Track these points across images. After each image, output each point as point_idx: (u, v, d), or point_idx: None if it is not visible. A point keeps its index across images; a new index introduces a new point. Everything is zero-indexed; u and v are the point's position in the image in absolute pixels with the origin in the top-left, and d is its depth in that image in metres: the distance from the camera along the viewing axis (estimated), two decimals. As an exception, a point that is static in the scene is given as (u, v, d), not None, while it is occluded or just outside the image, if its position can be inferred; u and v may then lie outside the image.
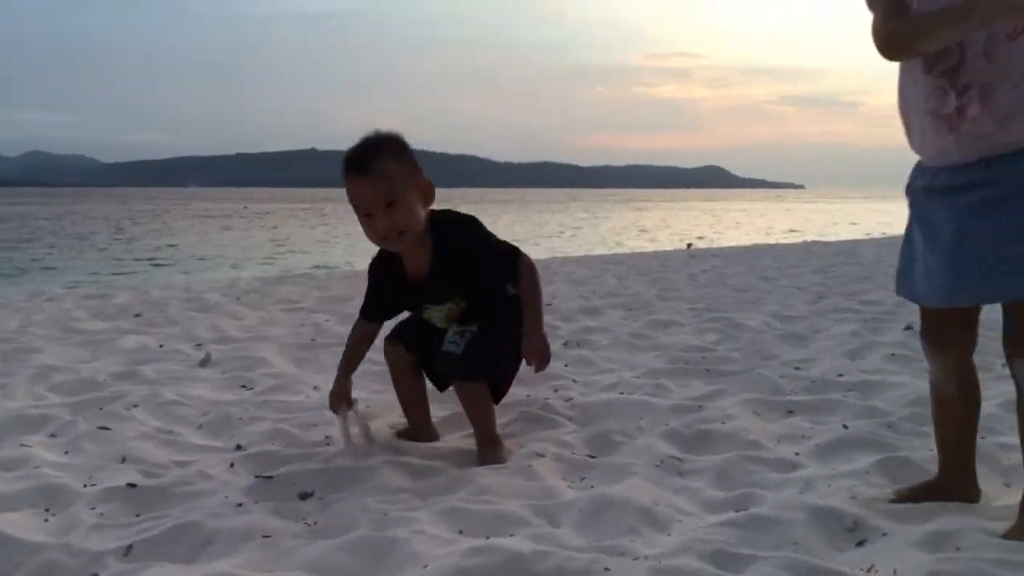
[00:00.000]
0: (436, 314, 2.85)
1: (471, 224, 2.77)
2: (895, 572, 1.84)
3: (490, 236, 2.77)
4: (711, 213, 45.27)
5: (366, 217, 2.62)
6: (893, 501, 2.26)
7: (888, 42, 1.97)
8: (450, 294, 2.79)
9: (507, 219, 33.97)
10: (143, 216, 38.53)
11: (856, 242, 16.38)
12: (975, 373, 2.21)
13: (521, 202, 74.11)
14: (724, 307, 6.27)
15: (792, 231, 25.43)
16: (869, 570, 1.85)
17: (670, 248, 16.55)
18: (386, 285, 2.85)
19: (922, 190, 2.09)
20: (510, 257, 2.76)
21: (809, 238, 19.63)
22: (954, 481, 2.26)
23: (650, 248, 17.26)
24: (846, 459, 2.65)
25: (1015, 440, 2.17)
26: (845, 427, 2.95)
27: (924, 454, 2.58)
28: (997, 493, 2.32)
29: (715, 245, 17.90)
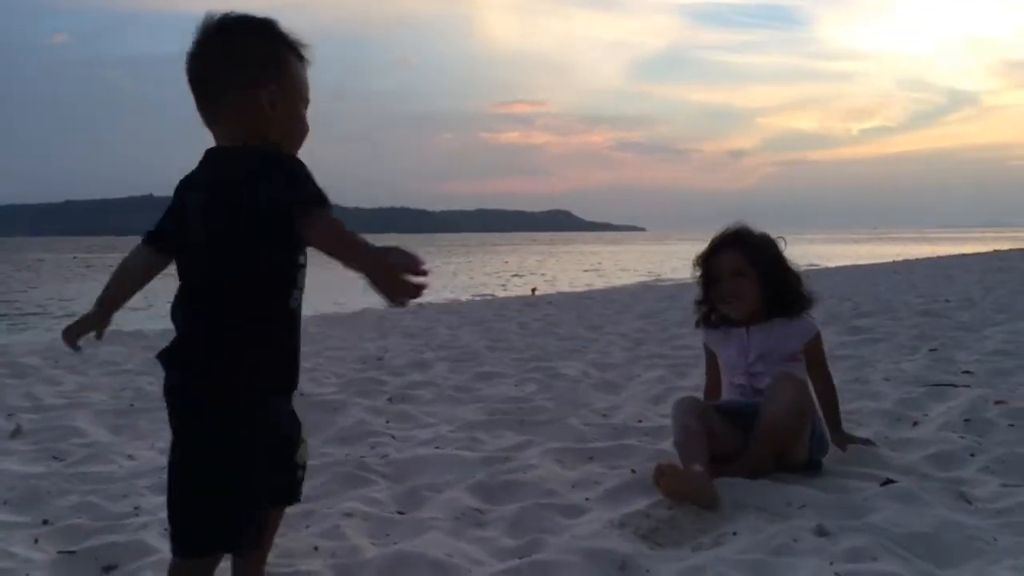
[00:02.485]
0: None
1: None
2: (649, 605, 2.08)
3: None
4: (556, 256, 46.44)
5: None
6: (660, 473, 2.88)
7: None
8: None
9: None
10: (-41, 270, 36.06)
11: (684, 286, 17.26)
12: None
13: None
14: (548, 356, 6.57)
15: (626, 271, 26.50)
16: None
17: (512, 294, 16.95)
18: None
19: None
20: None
21: (644, 279, 20.53)
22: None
23: (495, 292, 17.61)
24: (628, 502, 2.90)
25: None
26: (633, 471, 3.22)
27: None
28: None
29: (557, 289, 18.45)
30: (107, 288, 2.16)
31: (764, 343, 3.22)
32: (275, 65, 1.97)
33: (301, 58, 2.03)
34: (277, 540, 2.31)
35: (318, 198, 1.82)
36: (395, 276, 1.70)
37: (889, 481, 2.92)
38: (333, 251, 1.78)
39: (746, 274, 3.21)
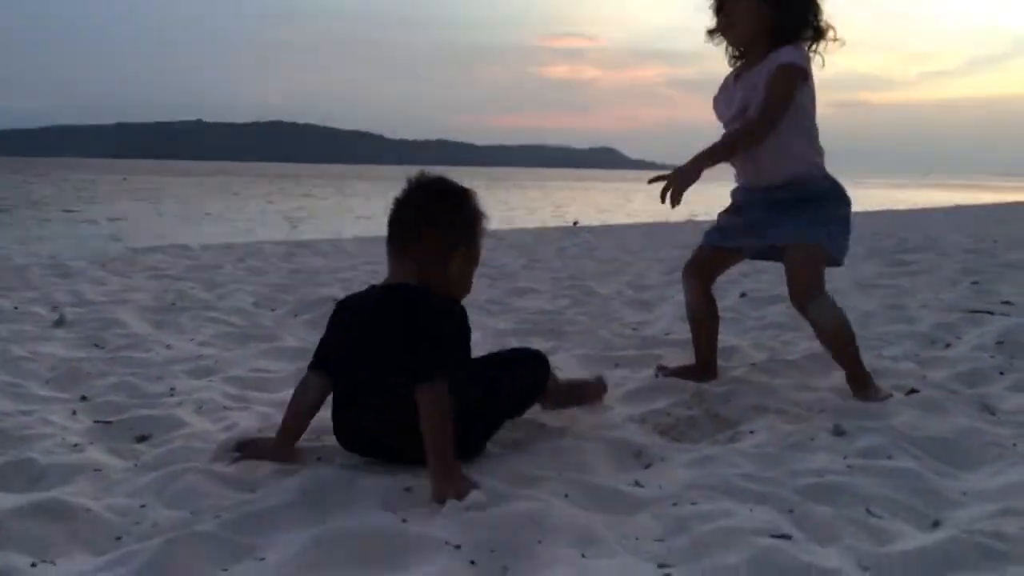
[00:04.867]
0: None
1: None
2: (660, 487, 2.12)
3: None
4: (600, 191, 46.12)
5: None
6: (661, 370, 3.21)
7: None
8: None
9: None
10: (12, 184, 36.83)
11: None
12: (714, 298, 3.26)
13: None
14: (584, 276, 6.58)
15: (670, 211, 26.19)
16: (633, 484, 2.13)
17: (553, 225, 16.91)
18: None
19: (733, 193, 3.16)
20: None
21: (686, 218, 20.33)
22: (702, 366, 3.21)
23: (533, 226, 17.59)
24: (649, 401, 2.94)
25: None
26: (656, 375, 3.25)
27: (715, 390, 2.99)
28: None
29: (600, 223, 18.35)
30: (287, 420, 2.33)
31: (746, 91, 2.88)
32: (470, 233, 2.28)
33: (484, 229, 2.32)
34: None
35: (433, 374, 2.05)
36: (445, 491, 1.96)
37: (913, 391, 2.91)
38: (424, 427, 2.03)
39: None
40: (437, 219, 2.25)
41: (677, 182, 2.69)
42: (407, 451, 2.12)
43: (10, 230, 15.11)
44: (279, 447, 2.30)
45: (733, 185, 3.19)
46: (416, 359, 2.08)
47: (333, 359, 2.30)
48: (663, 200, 2.69)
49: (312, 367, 2.35)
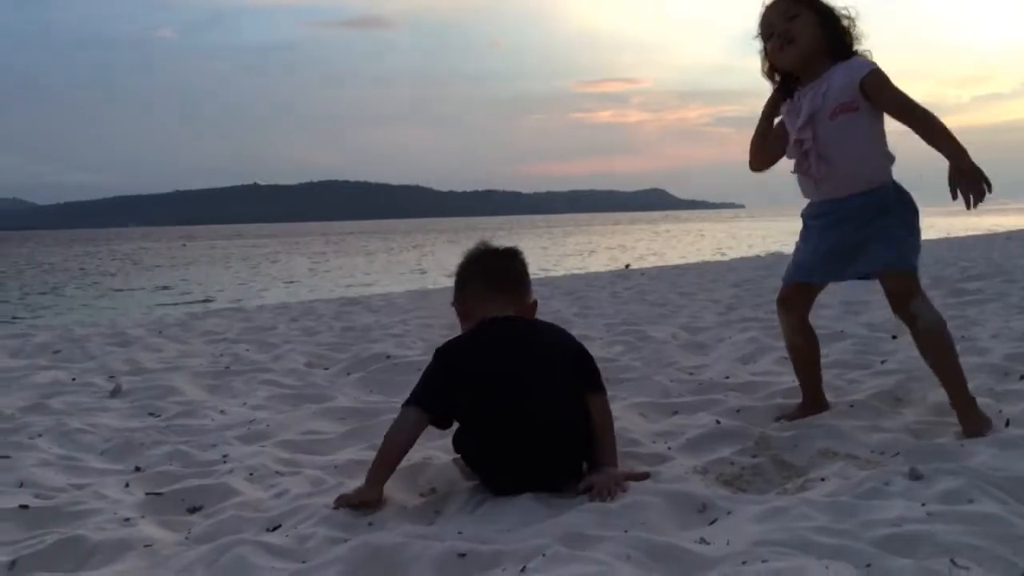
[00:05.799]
0: None
1: None
2: (727, 543, 2.01)
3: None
4: (651, 234, 45.95)
5: None
6: (779, 419, 3.15)
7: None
8: None
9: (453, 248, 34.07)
10: (95, 257, 37.86)
11: (780, 256, 16.83)
12: (811, 327, 3.22)
13: (468, 229, 74.24)
14: (638, 320, 6.48)
15: (722, 247, 25.95)
16: (699, 542, 2.01)
17: (603, 270, 16.82)
18: None
19: (806, 215, 3.11)
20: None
21: (743, 253, 20.08)
22: (812, 400, 3.21)
23: (583, 271, 17.52)
24: (711, 451, 2.83)
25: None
26: (718, 422, 3.13)
27: (781, 435, 2.88)
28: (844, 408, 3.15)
29: (652, 264, 18.22)
30: (385, 459, 2.49)
31: (814, 100, 2.91)
32: (529, 282, 2.79)
33: None
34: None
35: (601, 383, 2.64)
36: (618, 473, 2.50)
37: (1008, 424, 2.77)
38: (604, 426, 2.58)
39: (799, 14, 2.94)
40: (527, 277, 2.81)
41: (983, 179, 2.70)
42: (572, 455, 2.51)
43: (71, 301, 15.47)
44: (371, 491, 2.41)
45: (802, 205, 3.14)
46: (588, 370, 2.58)
47: (488, 392, 2.46)
48: (973, 206, 2.71)
49: (413, 404, 2.51)
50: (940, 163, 2.78)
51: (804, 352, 3.22)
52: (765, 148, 3.13)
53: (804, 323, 3.20)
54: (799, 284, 3.14)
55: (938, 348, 2.90)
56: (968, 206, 2.70)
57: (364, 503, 2.38)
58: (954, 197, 2.73)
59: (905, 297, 2.89)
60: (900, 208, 2.94)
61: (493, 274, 2.72)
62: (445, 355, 2.56)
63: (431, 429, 2.56)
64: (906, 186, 3.02)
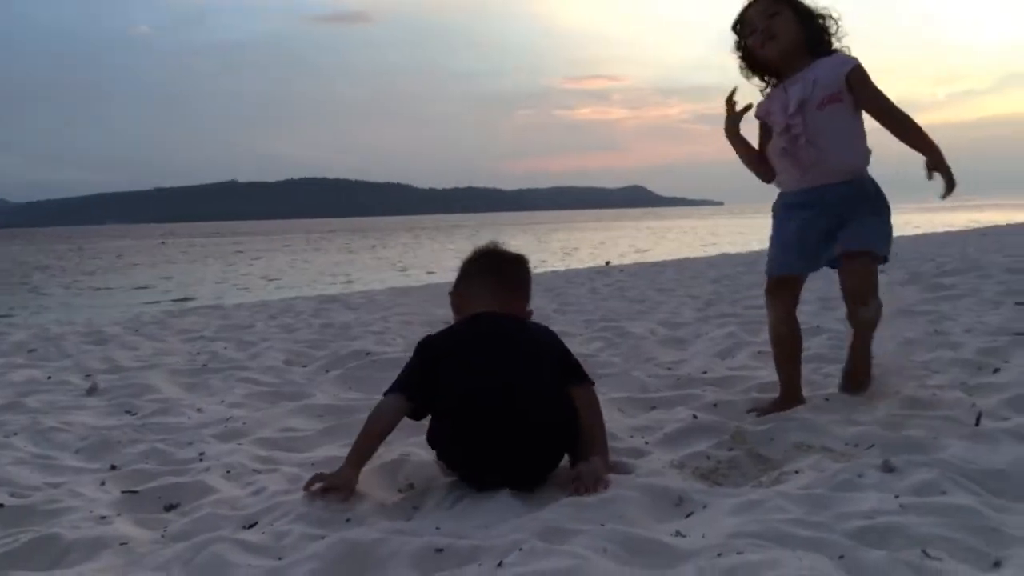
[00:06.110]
0: None
1: None
2: (703, 536, 2.02)
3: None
4: (631, 230, 46.06)
5: None
6: (751, 411, 3.19)
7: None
8: None
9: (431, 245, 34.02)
10: (65, 255, 37.53)
11: (761, 253, 16.89)
12: (797, 320, 3.27)
13: (450, 227, 74.13)
14: (617, 317, 6.50)
15: (702, 244, 26.06)
16: (675, 535, 2.03)
17: (583, 267, 16.83)
18: None
19: (780, 207, 3.21)
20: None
21: (719, 251, 20.14)
22: (789, 394, 3.22)
23: (564, 267, 17.53)
24: (688, 445, 2.84)
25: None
26: (695, 417, 3.15)
27: (757, 428, 2.90)
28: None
29: (631, 261, 18.25)
30: (362, 443, 2.51)
31: (804, 89, 3.03)
32: (529, 291, 2.85)
33: None
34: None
35: (586, 375, 2.68)
36: (605, 468, 2.50)
37: (979, 420, 2.80)
38: (591, 418, 2.61)
39: (780, 12, 3.08)
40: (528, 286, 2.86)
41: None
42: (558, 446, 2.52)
43: (48, 299, 15.32)
44: (347, 472, 2.42)
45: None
46: (572, 365, 2.61)
47: (462, 384, 2.46)
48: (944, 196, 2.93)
49: (395, 391, 2.53)
50: (916, 161, 2.97)
51: (788, 344, 3.26)
52: (765, 160, 3.23)
53: (791, 315, 3.25)
54: (782, 276, 3.21)
55: (867, 338, 3.10)
56: (944, 195, 2.91)
57: (337, 485, 2.39)
58: (930, 178, 2.94)
59: (869, 287, 2.98)
60: (875, 199, 3.08)
61: (496, 274, 2.75)
62: (426, 348, 2.59)
63: (409, 425, 2.56)
64: (885, 179, 3.16)
